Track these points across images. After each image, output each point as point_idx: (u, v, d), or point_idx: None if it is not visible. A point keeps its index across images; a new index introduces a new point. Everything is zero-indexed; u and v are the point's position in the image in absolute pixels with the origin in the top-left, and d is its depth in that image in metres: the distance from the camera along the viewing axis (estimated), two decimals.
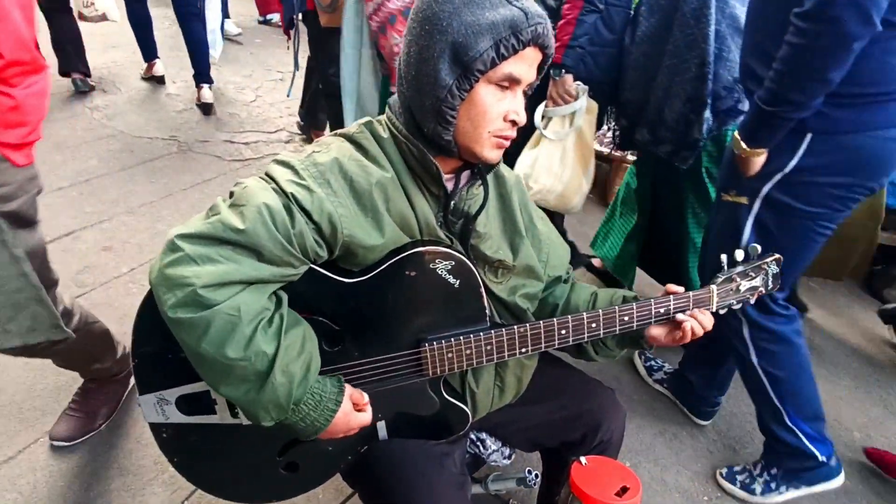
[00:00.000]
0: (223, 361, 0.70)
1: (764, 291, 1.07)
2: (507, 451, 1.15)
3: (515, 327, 0.92)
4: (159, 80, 3.77)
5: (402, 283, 0.86)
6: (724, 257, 1.03)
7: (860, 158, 1.18)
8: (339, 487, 1.42)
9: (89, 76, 3.48)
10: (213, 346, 0.69)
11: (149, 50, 3.67)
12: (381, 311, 0.87)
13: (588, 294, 1.09)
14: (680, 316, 0.96)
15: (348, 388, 0.84)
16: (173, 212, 2.54)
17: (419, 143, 0.83)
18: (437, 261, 0.86)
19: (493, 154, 0.84)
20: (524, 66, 0.78)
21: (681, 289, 0.99)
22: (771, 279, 1.07)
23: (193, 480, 0.93)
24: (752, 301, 1.07)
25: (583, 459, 0.99)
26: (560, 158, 1.85)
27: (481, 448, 1.12)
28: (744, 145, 1.22)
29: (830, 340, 2.38)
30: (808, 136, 1.18)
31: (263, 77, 4.35)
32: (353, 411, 0.84)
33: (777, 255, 1.07)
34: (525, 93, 0.85)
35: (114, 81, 3.71)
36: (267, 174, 0.80)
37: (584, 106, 1.81)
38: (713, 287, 1.00)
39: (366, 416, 0.86)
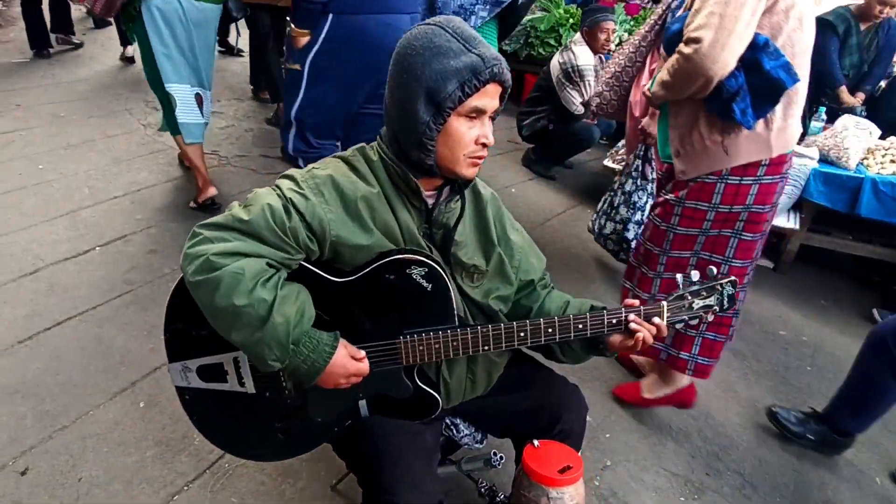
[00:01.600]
0: (232, 310, 0.89)
1: (718, 310, 1.16)
2: (478, 436, 1.31)
3: (479, 328, 1.07)
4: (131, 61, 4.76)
5: (383, 284, 1.03)
6: (679, 276, 1.14)
7: (361, 36, 1.95)
8: (341, 467, 1.60)
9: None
10: (223, 298, 0.89)
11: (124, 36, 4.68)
12: (364, 307, 1.05)
13: (562, 301, 1.22)
14: (633, 326, 1.07)
15: (344, 341, 1.02)
16: None
17: (404, 166, 1.02)
18: (412, 267, 1.03)
19: (470, 171, 1.02)
20: (487, 98, 0.97)
21: (636, 302, 1.12)
22: (726, 299, 1.15)
23: (207, 436, 1.13)
24: (709, 318, 1.18)
25: (535, 442, 1.13)
26: None
27: (454, 431, 1.28)
28: (293, 26, 2.03)
29: None
30: (330, 17, 1.96)
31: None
32: (349, 358, 1.01)
33: (733, 277, 1.17)
34: (491, 118, 1.02)
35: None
36: (276, 184, 1.01)
37: None
38: (664, 303, 1.11)
39: (363, 366, 1.03)
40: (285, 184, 1.00)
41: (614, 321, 1.09)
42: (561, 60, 3.58)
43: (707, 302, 1.15)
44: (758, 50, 1.41)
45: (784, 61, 1.42)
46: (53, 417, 1.67)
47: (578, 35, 3.61)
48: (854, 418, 1.83)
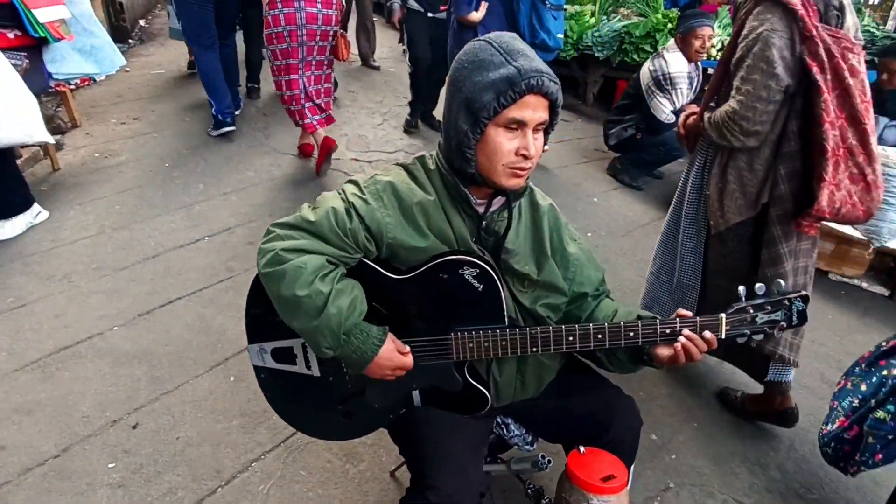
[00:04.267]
0: (293, 299, 1.00)
1: (786, 326, 1.12)
2: (529, 438, 1.33)
3: (528, 329, 1.11)
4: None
5: (437, 282, 1.10)
6: (741, 289, 1.11)
7: None
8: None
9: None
10: (287, 288, 1.00)
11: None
12: (418, 303, 1.13)
13: (610, 310, 1.23)
14: (683, 340, 1.06)
15: (392, 336, 1.10)
16: None
17: (455, 175, 1.09)
18: (464, 267, 1.09)
19: (510, 182, 1.05)
20: (528, 111, 0.98)
21: (689, 313, 1.10)
22: (795, 315, 1.10)
23: (278, 411, 1.27)
24: (777, 334, 1.13)
25: (581, 448, 1.14)
26: None
27: (505, 430, 1.32)
28: None
29: None
30: None
31: (392, 102, 4.90)
32: (395, 352, 1.09)
33: (804, 292, 1.12)
34: (544, 130, 1.04)
35: (271, 105, 4.48)
36: (342, 188, 1.11)
37: None
38: (722, 315, 1.09)
39: (408, 360, 1.11)
40: (350, 189, 1.10)
41: (667, 331, 1.08)
42: (652, 68, 3.46)
43: (773, 317, 1.10)
44: None
45: None
46: (161, 382, 1.92)
47: (672, 41, 3.47)
48: None
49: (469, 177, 1.07)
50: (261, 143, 3.91)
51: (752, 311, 1.09)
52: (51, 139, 2.72)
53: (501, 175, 1.04)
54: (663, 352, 1.10)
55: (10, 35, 2.76)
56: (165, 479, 1.60)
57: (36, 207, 2.77)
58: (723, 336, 1.10)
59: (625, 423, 1.23)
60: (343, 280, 1.06)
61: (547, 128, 1.06)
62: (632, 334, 1.09)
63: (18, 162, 3.26)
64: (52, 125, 3.80)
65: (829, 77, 1.45)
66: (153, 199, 3.10)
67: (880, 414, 1.29)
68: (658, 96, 3.45)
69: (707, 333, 1.07)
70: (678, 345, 1.06)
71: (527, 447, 1.34)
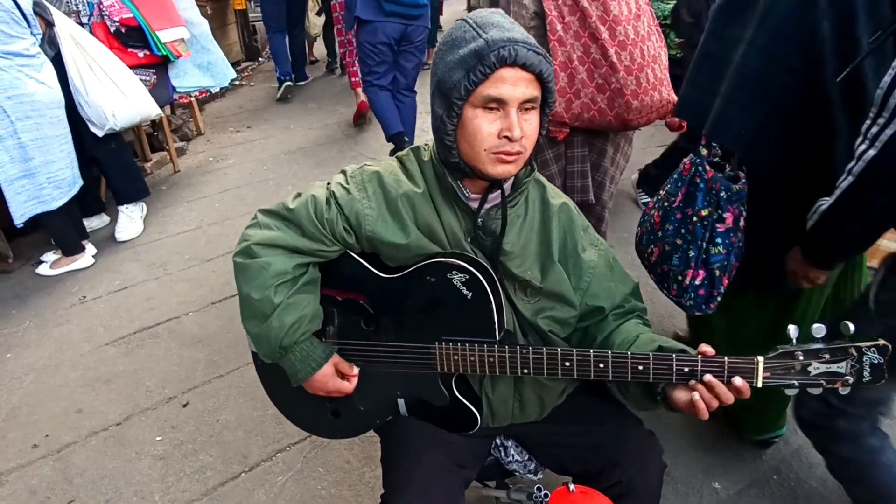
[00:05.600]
0: (247, 298, 0.99)
1: (853, 382, 0.86)
2: (531, 465, 1.19)
3: (519, 348, 0.98)
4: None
5: (423, 285, 1.02)
6: (791, 328, 0.87)
7: None
8: None
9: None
10: (245, 285, 0.99)
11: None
12: (405, 306, 1.06)
13: (632, 334, 1.03)
14: (698, 389, 0.86)
15: (338, 358, 1.06)
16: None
17: (443, 167, 1.00)
18: (453, 271, 1.00)
19: (497, 170, 0.93)
20: (506, 86, 0.86)
21: (712, 351, 0.89)
22: (867, 369, 0.85)
23: (275, 402, 1.26)
24: (841, 390, 0.87)
25: (571, 486, 0.99)
26: None
27: (503, 454, 1.19)
28: None
29: None
30: None
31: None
32: (334, 377, 1.05)
33: (882, 342, 0.85)
34: (539, 109, 0.92)
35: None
36: (333, 177, 1.08)
37: None
38: (760, 359, 0.86)
39: (345, 386, 1.07)
40: (337, 177, 1.06)
41: (685, 370, 0.89)
42: None
43: (833, 368, 0.86)
44: None
45: None
46: (216, 366, 2.06)
47: None
48: None
49: (454, 166, 0.98)
50: (350, 148, 4.10)
51: (801, 356, 0.85)
52: (161, 112, 3.18)
53: (486, 162, 0.93)
54: (680, 395, 0.90)
55: (140, 55, 3.19)
56: (199, 458, 1.69)
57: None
58: (759, 384, 0.87)
59: (638, 465, 1.04)
60: (300, 293, 1.02)
61: (543, 105, 0.94)
62: (641, 368, 0.91)
63: (147, 165, 3.77)
64: (180, 133, 4.34)
65: (561, 2, 1.65)
66: (248, 199, 3.37)
67: (715, 249, 1.36)
68: None
69: (738, 380, 0.86)
70: (695, 393, 0.86)
71: (529, 475, 1.20)
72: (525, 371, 0.99)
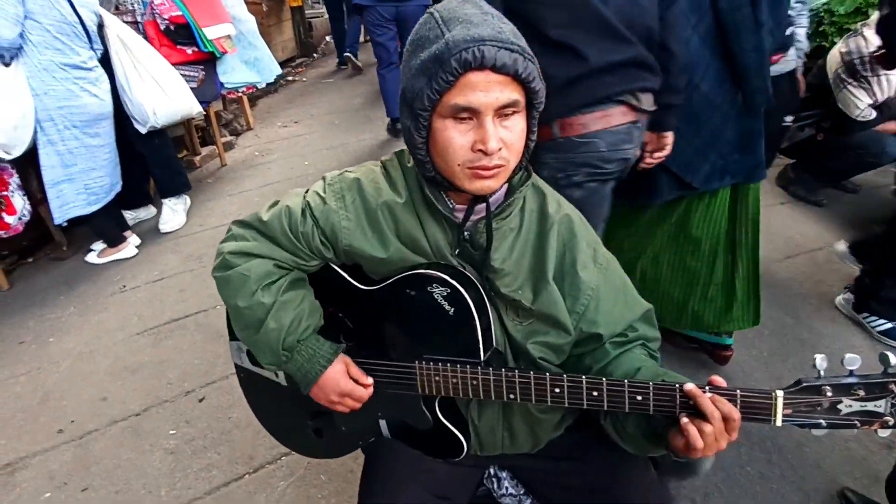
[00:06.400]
0: (235, 309, 0.93)
1: (893, 422, 0.72)
2: (528, 502, 1.08)
3: (504, 371, 0.88)
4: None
5: (403, 299, 0.93)
6: (818, 358, 0.74)
7: None
8: None
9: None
10: (230, 297, 0.93)
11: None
12: (386, 321, 0.97)
13: (633, 367, 0.89)
14: (685, 419, 0.74)
15: (348, 359, 0.96)
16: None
17: (422, 178, 0.89)
18: (434, 284, 0.90)
19: (474, 185, 0.82)
20: (476, 93, 0.75)
21: (723, 382, 0.77)
22: None
23: (258, 416, 1.22)
24: (880, 433, 0.73)
25: None
26: None
27: (496, 486, 1.08)
28: None
29: None
30: None
31: None
32: (345, 376, 0.95)
33: None
34: (525, 113, 0.80)
35: None
36: (314, 185, 1.00)
37: None
38: (779, 393, 0.73)
39: (360, 391, 0.95)
40: (316, 185, 0.98)
41: (691, 402, 0.76)
42: (845, 50, 2.69)
43: (870, 407, 0.71)
44: None
45: None
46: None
47: (877, 14, 2.65)
48: None
49: (431, 180, 0.88)
50: (386, 143, 4.06)
51: (830, 391, 0.72)
52: (202, 110, 3.27)
53: (461, 177, 0.82)
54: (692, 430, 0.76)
55: (189, 51, 3.28)
56: (207, 455, 1.69)
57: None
58: (778, 423, 0.74)
59: None
60: (292, 290, 0.96)
61: (530, 108, 0.81)
62: (640, 398, 0.79)
63: (196, 159, 3.90)
64: (231, 128, 4.47)
65: None
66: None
67: None
68: (851, 86, 2.68)
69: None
70: (690, 428, 0.73)
71: None
72: (511, 396, 0.88)
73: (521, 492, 1.09)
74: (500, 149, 0.78)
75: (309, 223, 0.93)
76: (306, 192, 0.98)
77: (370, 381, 0.97)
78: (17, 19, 2.14)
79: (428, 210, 0.92)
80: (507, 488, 1.09)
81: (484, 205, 0.90)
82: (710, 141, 1.54)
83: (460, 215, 0.91)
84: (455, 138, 0.79)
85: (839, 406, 0.72)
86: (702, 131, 1.53)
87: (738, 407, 0.74)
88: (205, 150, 3.99)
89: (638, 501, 0.92)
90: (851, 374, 0.73)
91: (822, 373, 0.73)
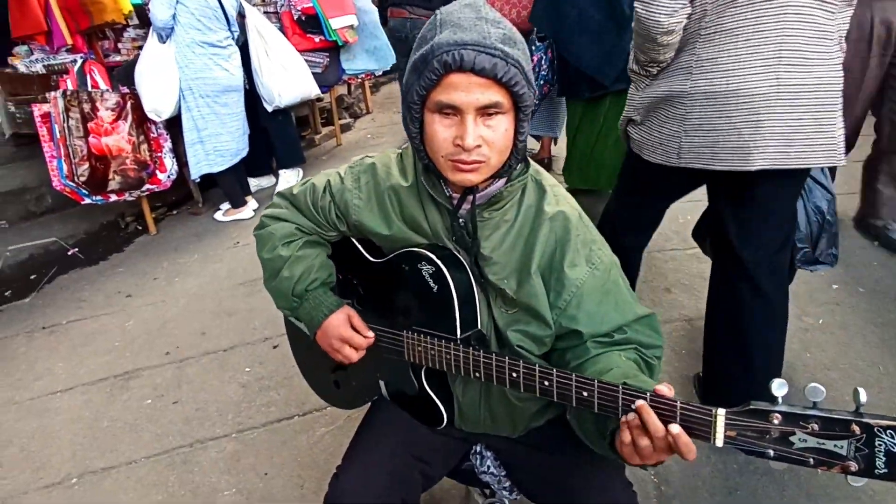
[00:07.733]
0: (263, 261, 1.11)
1: (857, 471, 0.64)
2: (507, 483, 1.13)
3: (472, 350, 0.93)
4: None
5: (399, 273, 1.03)
6: (775, 382, 0.69)
7: None
8: None
9: None
10: (260, 249, 1.12)
11: None
12: (386, 291, 1.08)
13: (607, 367, 0.89)
14: (632, 418, 0.74)
15: (352, 311, 1.09)
16: None
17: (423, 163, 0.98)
18: (422, 262, 0.99)
19: (455, 177, 0.88)
20: (458, 93, 0.80)
21: (670, 392, 0.75)
22: (880, 458, 0.63)
23: (298, 365, 1.39)
24: (851, 481, 0.66)
25: None
26: None
27: (478, 462, 1.14)
28: None
29: None
30: None
31: None
32: (346, 324, 1.07)
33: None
34: (513, 115, 0.85)
35: None
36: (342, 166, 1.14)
37: None
38: (720, 411, 0.70)
39: (359, 339, 1.06)
40: (342, 167, 1.12)
41: (632, 405, 0.76)
42: None
43: (828, 446, 0.65)
44: None
45: None
46: None
47: None
48: None
49: (427, 167, 0.96)
50: None
51: (778, 419, 0.67)
52: (320, 93, 3.60)
53: (445, 168, 0.89)
54: (625, 437, 0.76)
55: (316, 39, 3.64)
56: (269, 394, 1.95)
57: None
58: (719, 443, 0.71)
59: None
60: (308, 248, 1.11)
61: (517, 111, 0.85)
62: (585, 394, 0.81)
63: (317, 137, 4.31)
64: (351, 111, 4.85)
65: None
66: None
67: None
68: None
69: (674, 427, 0.71)
70: (625, 436, 0.74)
71: (503, 492, 1.14)
72: (476, 375, 0.94)
73: (502, 473, 1.14)
74: (478, 146, 0.84)
75: (327, 198, 1.07)
76: (334, 172, 1.12)
77: (371, 334, 1.08)
78: (170, 3, 2.62)
79: (430, 195, 1.00)
80: (488, 466, 1.14)
81: (479, 195, 0.96)
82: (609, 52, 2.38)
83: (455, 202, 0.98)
84: (440, 132, 0.85)
85: (791, 438, 0.67)
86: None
87: (678, 417, 0.72)
88: (325, 130, 4.40)
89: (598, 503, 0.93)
90: (815, 405, 0.67)
91: (779, 399, 0.69)
